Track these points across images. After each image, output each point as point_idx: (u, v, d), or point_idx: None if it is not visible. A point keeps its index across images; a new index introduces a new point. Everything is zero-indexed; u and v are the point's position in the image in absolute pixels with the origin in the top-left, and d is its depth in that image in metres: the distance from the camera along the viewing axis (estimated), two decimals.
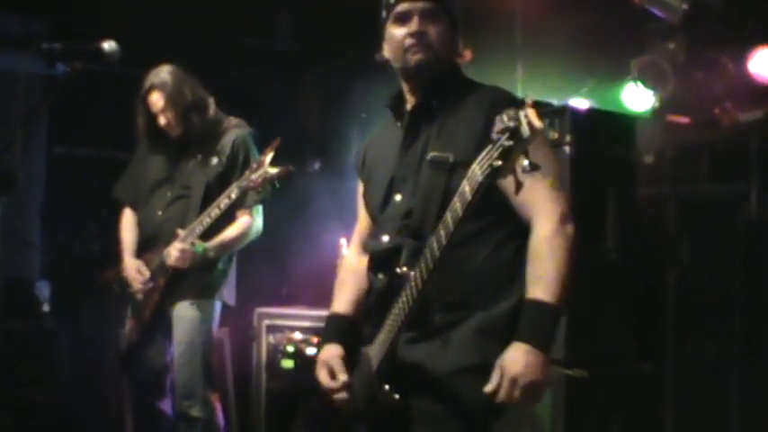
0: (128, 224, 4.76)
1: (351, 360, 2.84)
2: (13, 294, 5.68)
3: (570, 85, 5.96)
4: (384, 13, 2.81)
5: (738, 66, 5.34)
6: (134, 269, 4.54)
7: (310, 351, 5.49)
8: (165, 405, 4.60)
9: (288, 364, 5.66)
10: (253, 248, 4.76)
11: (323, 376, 2.86)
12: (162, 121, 4.53)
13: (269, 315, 5.83)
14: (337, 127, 6.65)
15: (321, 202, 6.37)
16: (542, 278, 2.52)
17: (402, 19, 2.74)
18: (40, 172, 6.69)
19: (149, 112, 4.54)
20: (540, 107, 2.18)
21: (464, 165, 2.33)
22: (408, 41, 2.73)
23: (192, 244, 4.35)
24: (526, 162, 2.14)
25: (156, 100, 4.51)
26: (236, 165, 4.49)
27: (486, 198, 2.37)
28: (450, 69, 2.82)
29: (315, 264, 6.17)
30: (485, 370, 2.53)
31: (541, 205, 2.59)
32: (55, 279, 6.31)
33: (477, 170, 2.24)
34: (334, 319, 3.01)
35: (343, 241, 5.52)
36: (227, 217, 4.46)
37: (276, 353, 5.71)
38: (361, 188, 3.06)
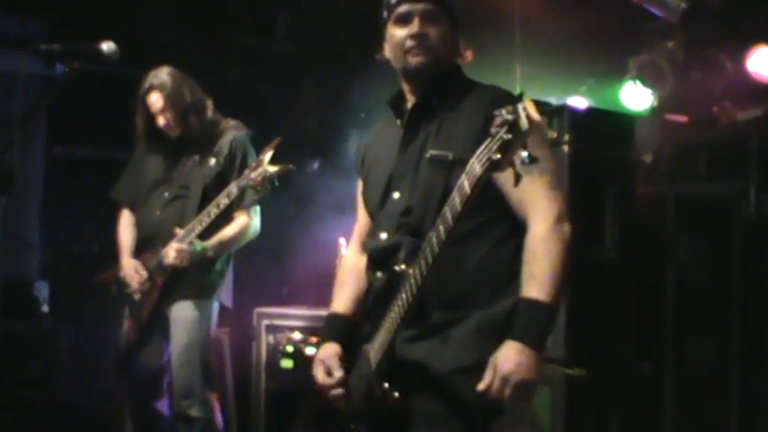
0: (125, 225, 4.77)
1: (350, 359, 2.84)
2: (12, 294, 5.69)
3: (569, 85, 5.96)
4: (385, 14, 2.81)
5: (737, 65, 5.34)
6: (132, 269, 4.54)
7: (310, 351, 5.49)
8: (163, 405, 4.60)
9: (287, 363, 5.66)
10: (252, 248, 4.76)
11: (319, 374, 2.86)
12: (161, 121, 4.54)
13: (268, 315, 5.82)
14: (337, 127, 6.65)
15: (320, 202, 6.37)
16: (537, 277, 2.52)
17: (403, 20, 2.75)
18: (39, 172, 6.69)
19: (148, 112, 4.55)
20: (538, 106, 2.18)
21: (463, 163, 2.33)
22: (409, 43, 2.73)
23: (191, 243, 4.35)
24: (525, 154, 2.14)
25: (156, 100, 4.51)
26: (234, 166, 4.50)
27: (484, 194, 2.38)
28: (450, 70, 2.82)
29: (314, 264, 6.17)
30: (484, 369, 2.53)
31: (538, 204, 2.59)
32: (54, 279, 6.31)
33: (475, 164, 2.25)
34: (333, 319, 3.01)
35: (342, 241, 5.52)
36: (226, 217, 4.46)
37: (276, 353, 5.70)
38: (360, 186, 3.06)
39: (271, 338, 5.74)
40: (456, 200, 2.34)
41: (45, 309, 6.16)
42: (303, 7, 6.86)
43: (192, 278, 4.47)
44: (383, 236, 2.77)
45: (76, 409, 5.82)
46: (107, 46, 3.62)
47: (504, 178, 2.47)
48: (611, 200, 4.54)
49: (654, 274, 5.16)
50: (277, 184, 4.27)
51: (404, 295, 2.55)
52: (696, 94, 5.62)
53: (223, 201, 4.33)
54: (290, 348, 5.64)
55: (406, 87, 2.85)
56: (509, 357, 2.46)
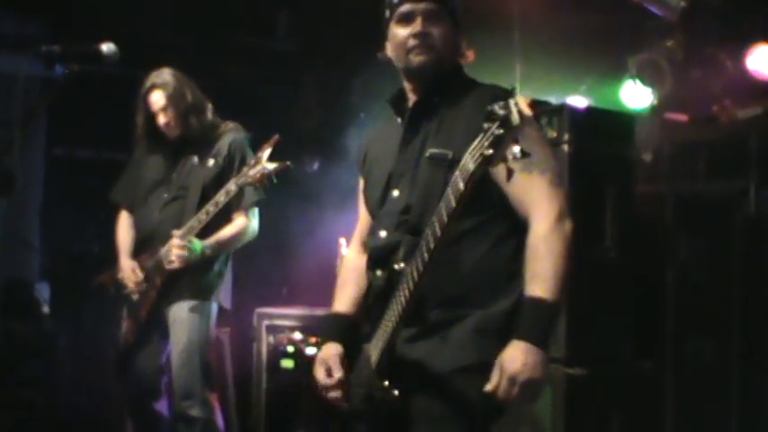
0: (124, 226, 4.77)
1: (351, 359, 2.84)
2: (12, 295, 5.70)
3: (568, 84, 5.96)
4: (387, 13, 2.81)
5: (737, 63, 5.35)
6: (129, 269, 4.54)
7: (310, 351, 5.49)
8: (162, 406, 4.60)
9: (288, 364, 5.67)
10: (253, 249, 4.76)
11: (319, 374, 2.86)
12: (161, 119, 4.54)
13: (269, 315, 5.83)
14: (337, 127, 6.65)
15: (321, 202, 6.37)
16: (540, 275, 2.52)
17: (405, 19, 2.75)
18: (39, 173, 6.69)
19: (149, 111, 4.55)
20: (538, 105, 2.19)
21: None
22: (411, 42, 2.74)
23: (190, 242, 4.35)
24: (517, 149, 2.14)
25: (157, 99, 4.52)
26: (233, 167, 4.50)
27: (483, 192, 2.39)
28: (451, 69, 2.83)
29: (314, 264, 6.17)
30: (484, 369, 2.53)
31: (539, 202, 2.59)
32: (54, 280, 6.31)
33: (468, 160, 2.25)
34: (334, 318, 3.02)
35: (342, 241, 5.52)
36: (224, 218, 4.46)
37: (276, 353, 5.71)
38: (361, 184, 3.07)
39: (271, 338, 5.74)
40: (450, 196, 2.34)
41: (45, 309, 6.17)
42: (303, 7, 6.86)
43: (190, 279, 4.47)
44: (382, 234, 2.77)
45: (77, 409, 5.82)
46: (107, 47, 3.63)
47: (503, 178, 2.48)
48: (610, 199, 4.54)
49: (654, 273, 5.16)
50: (275, 181, 4.27)
51: (402, 294, 2.55)
52: (696, 93, 5.62)
53: (222, 198, 4.34)
54: (290, 348, 5.65)
55: (407, 86, 2.86)
56: (515, 357, 2.46)
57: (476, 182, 2.28)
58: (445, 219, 2.37)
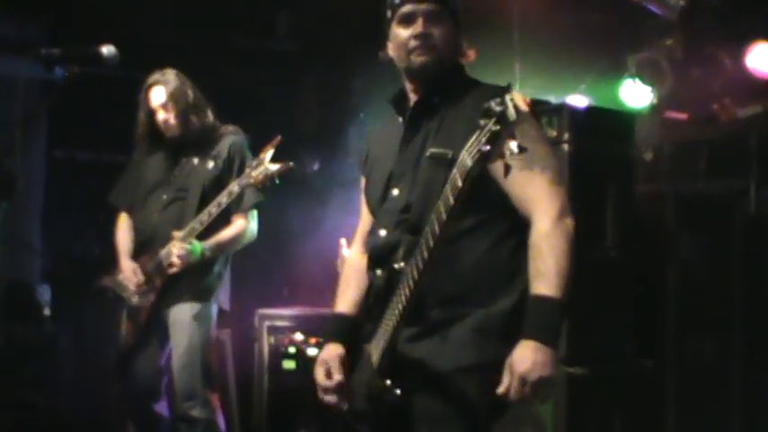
0: (123, 228, 4.76)
1: (352, 359, 2.84)
2: (13, 297, 5.69)
3: (568, 83, 5.96)
4: (389, 13, 2.82)
5: (736, 61, 5.35)
6: (130, 271, 4.54)
7: (311, 352, 5.50)
8: (162, 407, 4.60)
9: (289, 364, 5.67)
10: (253, 250, 4.77)
11: (319, 375, 2.86)
12: (160, 116, 4.53)
13: (270, 316, 5.83)
14: (337, 127, 6.66)
15: (321, 202, 6.38)
16: (544, 273, 2.51)
17: (407, 20, 2.75)
18: (39, 175, 6.69)
19: (149, 107, 4.55)
20: (538, 105, 2.19)
21: None
22: (413, 43, 2.74)
23: (190, 243, 4.35)
24: (514, 144, 2.14)
25: (158, 95, 4.52)
26: (233, 169, 4.51)
27: (482, 191, 2.39)
28: (452, 68, 2.83)
29: (315, 265, 6.17)
30: (484, 369, 2.55)
31: (540, 200, 2.58)
32: (55, 282, 6.31)
33: (466, 156, 2.25)
34: (336, 319, 3.01)
35: (343, 241, 5.52)
36: (223, 220, 4.47)
37: (278, 354, 5.71)
38: (363, 183, 3.07)
39: (272, 339, 5.74)
40: (448, 193, 2.34)
41: (46, 311, 6.16)
42: (303, 8, 6.86)
43: (190, 281, 4.47)
44: (382, 233, 2.77)
45: (77, 410, 5.83)
46: (107, 49, 3.63)
47: (498, 167, 2.48)
48: (611, 198, 4.54)
49: (654, 272, 5.16)
50: (278, 182, 4.28)
51: (402, 293, 2.55)
52: (695, 92, 5.62)
53: (224, 200, 4.34)
54: (291, 349, 5.65)
55: (408, 86, 2.86)
56: (525, 357, 2.46)
57: (474, 179, 2.28)
58: (444, 216, 2.37)
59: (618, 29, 5.90)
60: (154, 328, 4.54)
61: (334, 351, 2.88)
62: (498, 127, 2.15)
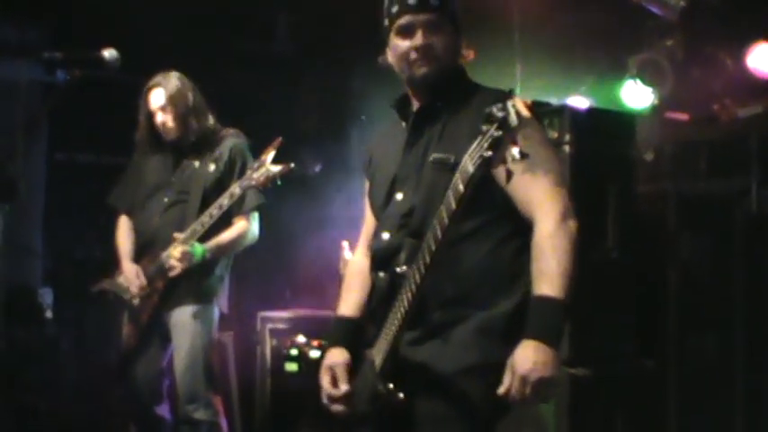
0: (124, 231, 4.76)
1: (355, 363, 2.85)
2: (15, 301, 5.69)
3: (569, 84, 5.97)
4: (386, 22, 2.80)
5: (737, 62, 5.36)
6: (132, 273, 4.54)
7: (314, 354, 5.50)
8: (163, 409, 4.60)
9: (292, 367, 5.67)
10: (255, 252, 4.76)
11: (325, 382, 2.86)
12: (158, 118, 4.53)
13: (272, 319, 5.83)
14: (338, 130, 6.66)
15: (323, 205, 6.38)
16: (546, 274, 2.51)
17: (405, 31, 2.73)
18: (40, 178, 6.69)
19: (149, 109, 4.55)
20: (539, 107, 2.20)
21: None
22: (413, 55, 2.72)
23: (191, 245, 4.35)
24: (516, 150, 2.15)
25: (158, 97, 4.52)
26: (234, 172, 4.50)
27: (485, 194, 2.40)
28: (454, 73, 2.83)
29: (317, 267, 6.18)
30: (487, 370, 2.55)
31: (543, 202, 2.59)
32: (57, 285, 6.31)
33: (468, 162, 2.26)
34: (339, 322, 3.01)
35: (345, 244, 5.53)
36: (225, 222, 4.47)
37: (280, 356, 5.71)
38: (366, 187, 3.07)
39: (274, 342, 5.74)
40: (451, 198, 2.35)
41: (48, 315, 6.16)
42: (302, 10, 6.87)
43: (192, 283, 4.47)
44: (385, 236, 2.78)
45: (79, 414, 5.82)
46: (108, 53, 3.64)
47: (500, 172, 2.49)
48: (612, 198, 4.54)
49: (655, 272, 5.16)
50: (279, 183, 4.28)
51: (405, 296, 2.56)
52: (696, 92, 5.63)
53: (225, 202, 4.34)
54: (294, 352, 5.65)
55: (410, 92, 2.86)
56: (526, 357, 2.45)
57: (476, 184, 2.29)
58: (446, 221, 2.38)
59: (618, 30, 5.90)
60: (155, 330, 4.54)
61: (339, 357, 2.88)
62: (500, 133, 2.16)
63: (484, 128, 2.19)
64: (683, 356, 5.12)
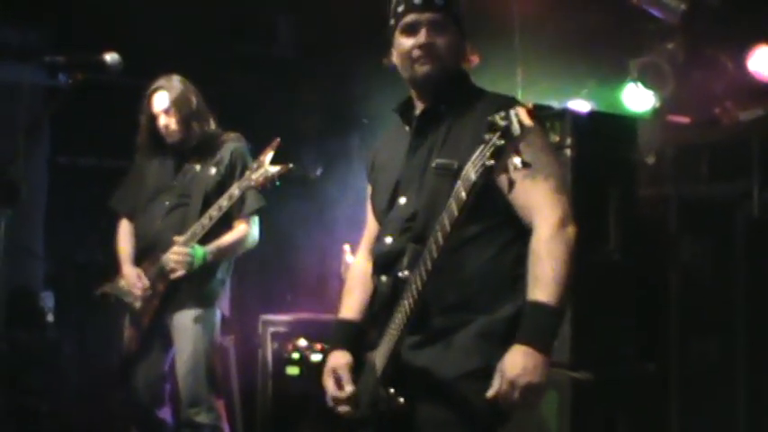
0: (125, 234, 4.76)
1: (358, 366, 2.85)
2: (17, 304, 5.70)
3: (570, 88, 5.97)
4: (392, 21, 2.82)
5: (738, 65, 5.35)
6: (134, 277, 4.54)
7: (315, 358, 5.50)
8: (165, 413, 4.60)
9: (293, 370, 5.67)
10: (257, 256, 4.77)
11: (329, 384, 2.86)
12: (162, 121, 4.53)
13: (273, 322, 5.83)
14: (339, 134, 6.66)
15: (324, 208, 6.38)
16: (541, 280, 2.52)
17: (410, 30, 2.76)
18: (42, 182, 6.69)
19: (151, 112, 4.55)
20: (540, 110, 2.20)
21: None
22: (416, 53, 2.75)
23: (192, 248, 4.36)
24: (518, 160, 2.16)
25: (161, 100, 4.52)
26: (234, 175, 4.50)
27: (487, 200, 2.40)
28: (458, 77, 2.84)
29: (318, 271, 6.18)
30: (488, 375, 2.54)
31: (542, 208, 2.59)
32: (59, 289, 6.31)
33: (470, 170, 2.27)
34: (341, 325, 3.01)
35: (346, 248, 5.53)
36: (225, 225, 4.47)
37: (281, 360, 5.71)
38: (369, 191, 3.08)
39: (276, 345, 5.75)
40: (453, 206, 2.36)
41: (50, 318, 6.16)
42: (303, 14, 6.87)
43: (193, 287, 4.47)
44: (388, 240, 2.78)
45: (81, 417, 5.83)
46: (110, 57, 3.64)
47: (502, 180, 2.49)
48: (613, 202, 4.54)
49: (657, 275, 5.16)
50: (278, 184, 4.28)
51: (406, 301, 2.56)
52: (697, 95, 5.62)
53: (225, 203, 4.34)
54: (295, 355, 5.66)
55: (414, 94, 2.87)
56: (516, 361, 2.47)
57: (478, 191, 2.30)
58: (448, 228, 2.39)
59: (619, 33, 5.90)
60: (156, 333, 4.53)
61: (342, 359, 2.88)
62: (503, 142, 2.17)
63: (486, 136, 2.20)
64: (684, 359, 5.12)
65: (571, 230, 2.59)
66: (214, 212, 4.34)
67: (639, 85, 5.65)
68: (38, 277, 6.60)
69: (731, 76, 5.42)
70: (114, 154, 5.98)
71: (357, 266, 3.11)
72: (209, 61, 6.33)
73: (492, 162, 2.19)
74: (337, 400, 2.83)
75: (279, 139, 4.30)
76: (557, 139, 4.38)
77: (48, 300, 6.23)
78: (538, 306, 2.51)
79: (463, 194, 2.31)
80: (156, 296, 4.48)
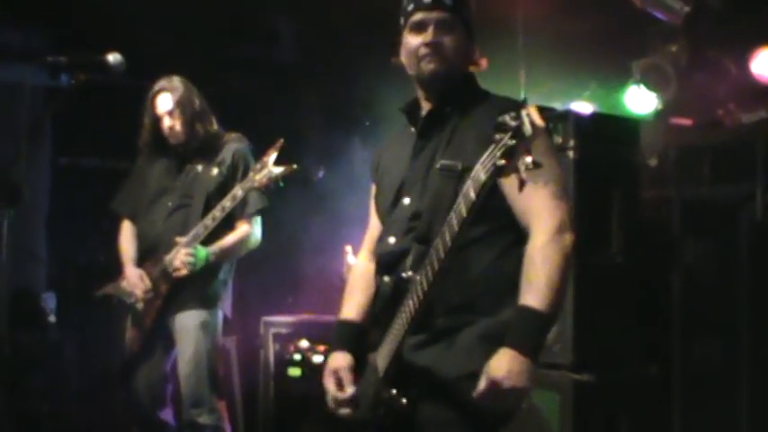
0: (127, 236, 4.76)
1: (359, 367, 2.84)
2: (19, 305, 5.70)
3: (573, 90, 5.97)
4: (402, 20, 2.84)
5: (741, 67, 5.35)
6: (137, 278, 4.54)
7: (317, 359, 5.50)
8: (167, 414, 4.60)
9: (295, 372, 5.68)
10: (258, 258, 4.77)
11: (331, 386, 2.86)
12: (166, 122, 4.53)
13: (275, 324, 5.83)
14: (341, 135, 6.66)
15: (326, 209, 6.38)
16: (534, 285, 2.52)
17: (418, 28, 2.77)
18: (44, 183, 6.70)
19: (155, 114, 4.55)
20: (543, 112, 2.19)
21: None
22: (423, 51, 2.76)
23: (195, 248, 4.36)
24: (529, 160, 2.15)
25: (165, 102, 4.52)
26: (236, 176, 4.51)
27: (491, 202, 2.39)
28: (464, 78, 2.84)
29: (320, 272, 6.18)
30: None
31: (540, 213, 2.59)
32: (61, 290, 6.32)
33: (480, 170, 2.26)
34: (343, 326, 3.01)
35: (348, 248, 5.52)
36: (227, 226, 4.47)
37: (283, 361, 5.71)
38: (373, 191, 3.08)
39: (278, 347, 5.75)
40: (461, 206, 2.36)
41: (52, 319, 6.16)
42: (305, 17, 6.87)
43: (195, 288, 4.47)
44: (392, 240, 2.78)
45: (83, 418, 5.83)
46: (113, 57, 3.64)
47: (510, 188, 2.49)
48: (616, 204, 4.54)
49: (659, 277, 5.16)
50: (282, 185, 4.28)
51: (410, 302, 2.56)
52: (700, 97, 5.62)
53: (228, 204, 4.34)
54: (297, 356, 5.66)
55: (420, 95, 2.87)
56: (501, 364, 2.46)
57: (487, 192, 2.29)
58: (456, 228, 2.38)
59: (622, 35, 5.90)
60: (159, 334, 4.54)
61: (343, 360, 2.88)
62: (514, 142, 2.16)
63: (497, 136, 2.19)
64: (686, 362, 5.11)
65: (568, 237, 2.58)
66: (217, 213, 4.35)
67: (642, 86, 5.64)
68: (39, 278, 6.60)
69: (734, 79, 5.42)
70: (116, 155, 6.00)
71: (359, 267, 3.11)
72: (210, 63, 6.33)
73: (503, 162, 2.18)
74: (338, 402, 2.83)
75: (282, 141, 4.30)
76: (559, 140, 4.37)
77: (49, 301, 6.23)
78: (528, 311, 2.50)
79: (473, 194, 2.30)
80: (158, 297, 4.49)
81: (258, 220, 4.61)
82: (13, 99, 5.54)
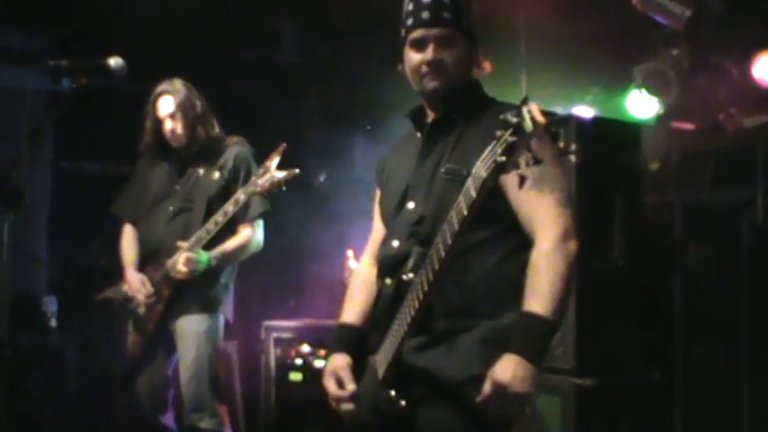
0: (128, 240, 4.76)
1: (359, 369, 2.84)
2: (20, 309, 5.69)
3: (575, 94, 5.97)
4: (402, 32, 2.83)
5: (742, 71, 5.35)
6: (138, 282, 4.54)
7: (318, 363, 5.50)
8: (168, 418, 4.60)
9: (296, 376, 5.67)
10: (259, 262, 4.76)
11: (331, 386, 2.86)
12: (167, 125, 4.53)
13: (276, 328, 5.83)
14: (342, 139, 6.66)
15: (327, 214, 6.37)
16: (538, 292, 2.52)
17: (418, 45, 2.77)
18: (45, 187, 6.70)
19: (157, 117, 4.55)
20: (545, 116, 2.19)
21: None
22: (424, 69, 2.76)
23: (197, 252, 4.35)
24: (530, 155, 2.15)
25: (166, 105, 4.52)
26: (238, 179, 4.51)
27: (494, 205, 2.39)
28: (469, 86, 2.85)
29: (322, 276, 6.17)
30: None
31: (545, 220, 2.59)
32: (62, 293, 6.31)
33: (480, 167, 2.26)
34: (343, 329, 3.01)
35: (349, 253, 5.52)
36: (229, 230, 4.47)
37: (284, 366, 5.71)
38: (377, 195, 3.08)
39: (279, 351, 5.74)
40: (462, 204, 2.36)
41: (52, 323, 6.16)
42: (306, 21, 6.87)
43: (197, 292, 4.47)
44: (395, 243, 2.79)
45: (83, 423, 5.82)
46: (115, 61, 3.63)
47: (512, 189, 2.49)
48: (618, 208, 4.54)
49: (661, 281, 5.15)
50: (285, 189, 4.28)
51: (411, 303, 2.56)
52: (702, 102, 5.62)
53: (230, 208, 4.34)
54: (298, 361, 5.65)
55: (425, 103, 2.88)
56: (506, 370, 2.47)
57: (487, 191, 2.29)
58: (456, 227, 2.38)
59: (624, 39, 5.90)
60: (160, 339, 4.54)
61: (342, 361, 2.89)
62: (515, 138, 2.16)
63: (498, 133, 2.19)
64: (688, 366, 5.10)
65: (572, 245, 2.58)
66: (219, 218, 4.35)
67: (644, 91, 5.65)
68: (41, 282, 6.60)
69: (736, 83, 5.42)
70: (117, 159, 6.00)
71: (361, 271, 3.11)
72: (210, 65, 6.33)
73: (503, 158, 2.18)
74: (339, 400, 2.83)
75: (285, 145, 4.30)
76: (561, 145, 4.36)
77: (50, 304, 6.23)
78: (533, 317, 2.51)
79: (473, 192, 2.30)
80: (160, 301, 4.49)
81: (260, 224, 4.61)
82: (15, 103, 5.54)
